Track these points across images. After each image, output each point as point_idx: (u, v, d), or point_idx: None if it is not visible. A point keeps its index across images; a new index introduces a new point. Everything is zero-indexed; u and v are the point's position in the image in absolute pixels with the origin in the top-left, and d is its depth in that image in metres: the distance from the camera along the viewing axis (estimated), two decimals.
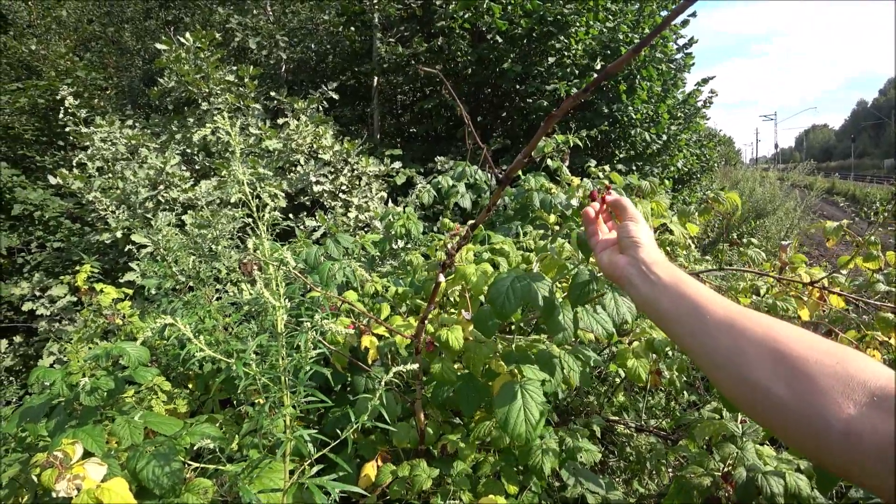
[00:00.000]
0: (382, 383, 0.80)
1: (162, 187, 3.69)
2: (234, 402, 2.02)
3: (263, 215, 0.78)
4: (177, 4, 7.63)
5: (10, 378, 4.07)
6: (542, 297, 1.03)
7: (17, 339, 4.38)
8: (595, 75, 6.15)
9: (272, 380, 0.78)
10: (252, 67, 4.35)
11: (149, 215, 3.42)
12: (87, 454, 1.18)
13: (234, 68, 4.49)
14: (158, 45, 4.36)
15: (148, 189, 3.61)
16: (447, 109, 6.43)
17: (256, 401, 1.66)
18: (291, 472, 0.86)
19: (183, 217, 3.52)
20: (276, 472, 1.15)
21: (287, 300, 0.80)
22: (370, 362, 1.29)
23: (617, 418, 2.56)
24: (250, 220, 3.69)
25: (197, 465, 1.30)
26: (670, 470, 2.24)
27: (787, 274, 1.49)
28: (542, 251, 1.32)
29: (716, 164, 11.77)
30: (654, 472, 2.27)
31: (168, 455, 1.16)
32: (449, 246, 1.11)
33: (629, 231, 0.72)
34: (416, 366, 0.83)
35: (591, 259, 1.28)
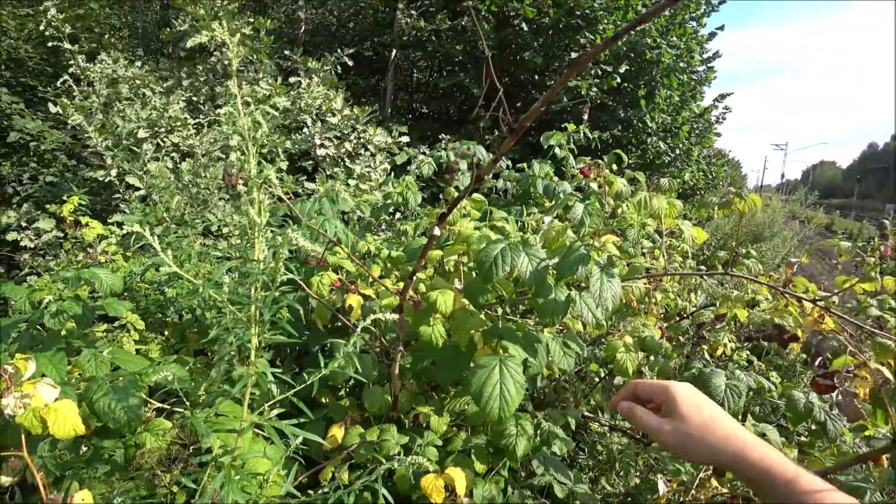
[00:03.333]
0: (359, 329, 0.74)
1: (163, 131, 3.60)
2: (208, 353, 1.97)
3: (254, 135, 0.72)
4: None
5: None
6: (530, 270, 0.98)
7: None
8: (618, 78, 6.07)
9: (241, 309, 0.72)
10: (269, 21, 4.24)
11: (147, 157, 3.33)
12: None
13: (251, 20, 4.38)
14: None
15: (147, 131, 3.51)
16: (461, 92, 6.34)
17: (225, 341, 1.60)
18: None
19: (180, 165, 3.43)
20: (237, 421, 1.09)
21: (268, 228, 0.75)
22: (352, 321, 1.24)
23: (592, 415, 2.53)
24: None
25: (158, 404, 1.25)
26: (638, 472, 2.23)
27: (793, 289, 1.44)
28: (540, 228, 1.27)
29: (721, 183, 11.76)
30: (622, 472, 2.25)
31: (128, 389, 1.11)
32: (446, 207, 1.05)
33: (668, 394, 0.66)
34: (396, 316, 0.77)
35: (590, 239, 1.22)
